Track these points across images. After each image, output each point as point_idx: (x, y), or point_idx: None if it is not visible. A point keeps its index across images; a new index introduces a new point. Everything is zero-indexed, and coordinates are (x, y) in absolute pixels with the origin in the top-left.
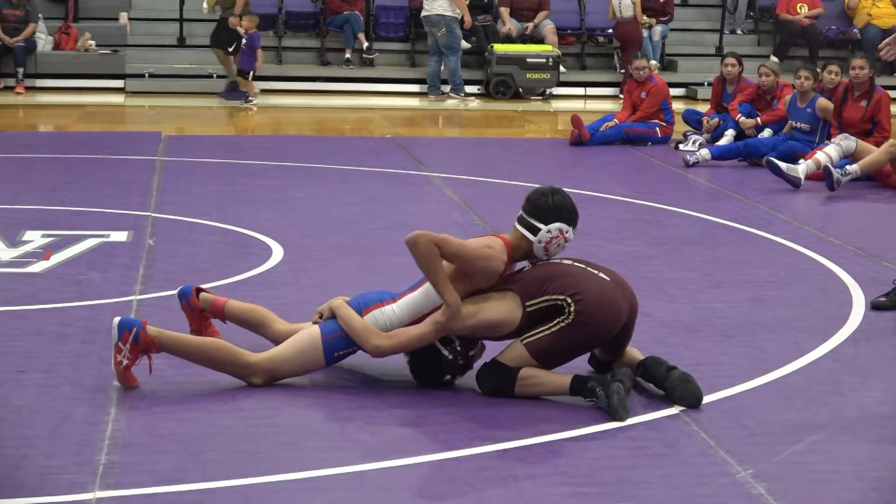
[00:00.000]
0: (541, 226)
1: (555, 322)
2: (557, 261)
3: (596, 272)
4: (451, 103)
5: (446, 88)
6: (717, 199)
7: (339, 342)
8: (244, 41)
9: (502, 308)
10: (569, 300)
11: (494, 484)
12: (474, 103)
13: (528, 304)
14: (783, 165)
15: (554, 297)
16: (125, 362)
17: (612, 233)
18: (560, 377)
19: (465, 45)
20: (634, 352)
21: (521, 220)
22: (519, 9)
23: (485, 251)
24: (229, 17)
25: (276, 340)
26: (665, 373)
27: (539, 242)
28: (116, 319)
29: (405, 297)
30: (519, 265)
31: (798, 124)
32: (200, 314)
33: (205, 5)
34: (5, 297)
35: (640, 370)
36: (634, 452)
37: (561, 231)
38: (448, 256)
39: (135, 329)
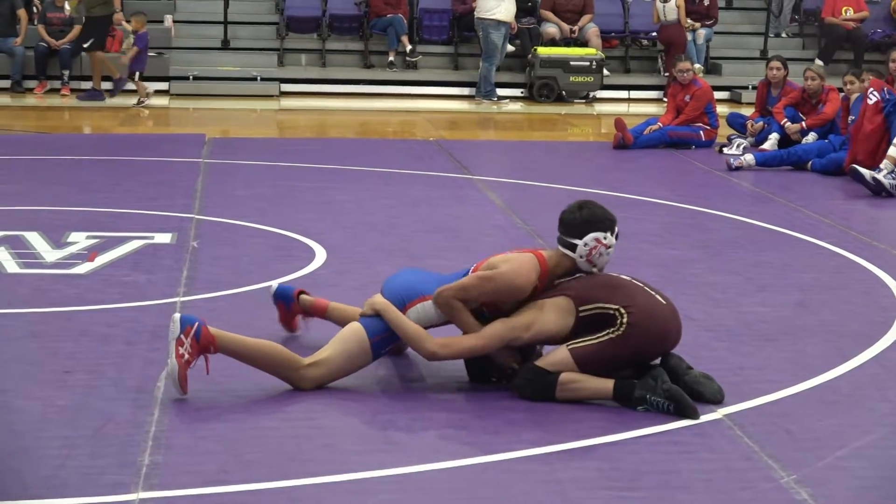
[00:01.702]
0: (576, 241)
1: (604, 332)
2: (616, 274)
3: (653, 293)
4: (487, 106)
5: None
6: (761, 203)
7: (387, 340)
8: (132, 41)
9: (556, 318)
10: (622, 310)
11: (537, 487)
12: (509, 106)
13: (581, 308)
14: (867, 173)
15: (607, 305)
16: (187, 356)
17: (655, 236)
18: (602, 381)
19: (509, 48)
20: None
21: (559, 241)
22: (563, 12)
23: (511, 281)
24: (112, 15)
25: None
26: (685, 369)
27: (581, 257)
28: (177, 315)
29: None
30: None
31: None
32: (295, 315)
33: (67, 6)
34: (50, 298)
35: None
36: (677, 457)
37: (598, 240)
38: (475, 300)
39: (196, 324)
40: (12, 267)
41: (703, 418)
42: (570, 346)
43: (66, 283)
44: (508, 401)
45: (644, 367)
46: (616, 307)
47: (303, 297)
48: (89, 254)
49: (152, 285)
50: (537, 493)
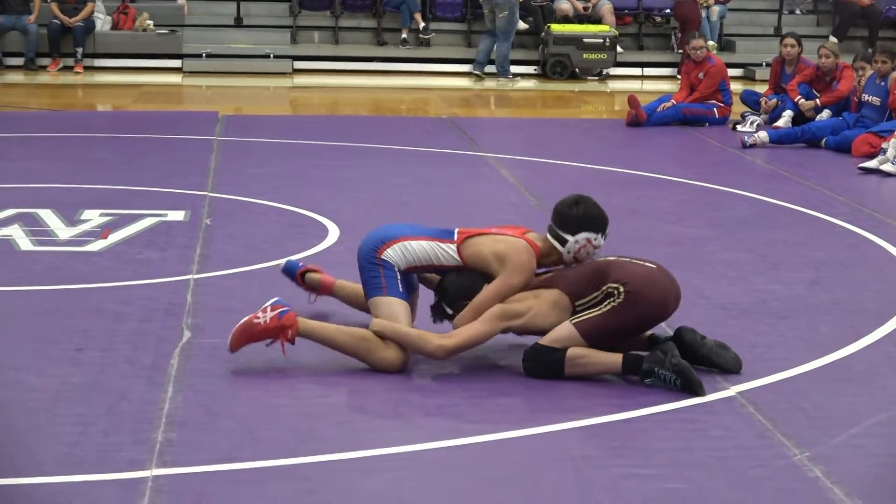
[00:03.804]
0: (568, 237)
1: (606, 303)
2: (602, 257)
3: (642, 262)
4: (499, 84)
5: (489, 69)
6: (775, 181)
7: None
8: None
9: (549, 314)
10: (616, 285)
11: (550, 465)
12: (521, 82)
13: (577, 303)
14: (872, 164)
15: (602, 289)
16: (261, 323)
17: (669, 214)
18: (611, 356)
19: (522, 25)
20: None
21: (550, 231)
22: None
23: (520, 284)
24: None
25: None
26: (700, 340)
27: (568, 252)
28: (277, 299)
29: (426, 241)
30: None
31: (869, 98)
32: (309, 289)
33: None
34: (64, 276)
35: (657, 344)
36: (690, 434)
37: (589, 240)
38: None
39: (285, 307)
40: (26, 244)
41: (716, 396)
42: (573, 321)
43: (80, 261)
44: (519, 379)
45: (655, 342)
46: (611, 285)
47: (309, 275)
48: (103, 231)
49: (166, 263)
50: (549, 471)
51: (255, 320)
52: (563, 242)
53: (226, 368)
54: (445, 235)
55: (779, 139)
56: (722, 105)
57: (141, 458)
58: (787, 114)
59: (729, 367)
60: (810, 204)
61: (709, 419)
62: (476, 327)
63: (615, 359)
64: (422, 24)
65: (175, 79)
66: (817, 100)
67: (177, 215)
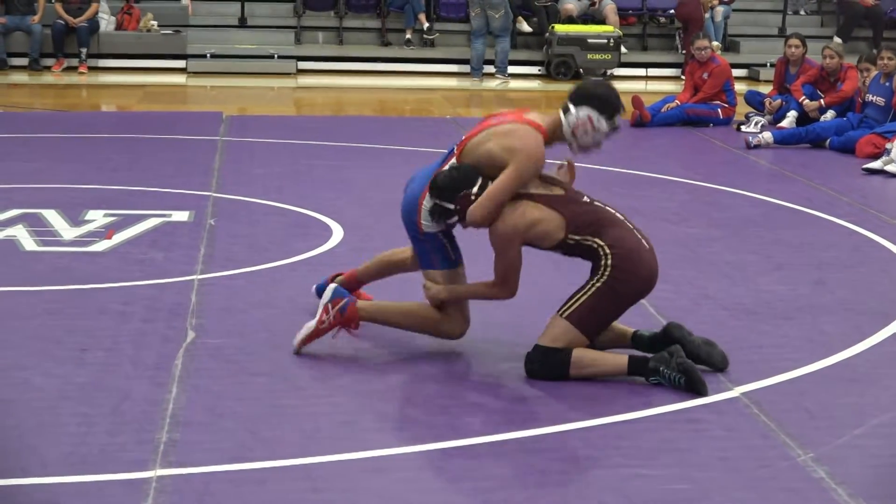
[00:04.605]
0: (572, 107)
1: (588, 285)
2: (612, 211)
3: (640, 237)
4: (496, 84)
5: (488, 69)
6: (779, 181)
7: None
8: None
9: (549, 229)
10: (606, 249)
11: (554, 465)
12: (512, 83)
13: (570, 236)
14: (877, 165)
15: (595, 239)
16: (326, 325)
17: (673, 214)
18: (615, 357)
19: (526, 28)
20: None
21: (563, 105)
22: None
23: (532, 169)
24: None
25: (410, 265)
26: (688, 337)
27: (568, 125)
28: (333, 285)
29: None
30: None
31: (874, 98)
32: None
33: None
34: (68, 276)
35: (640, 341)
36: (695, 435)
37: (590, 118)
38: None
39: (345, 300)
40: (30, 245)
41: (720, 396)
42: (563, 315)
43: (84, 261)
44: (524, 380)
45: (640, 340)
46: (602, 244)
47: (337, 280)
48: (107, 231)
49: (170, 263)
50: (554, 471)
51: (322, 325)
52: (567, 112)
53: (230, 368)
54: (446, 157)
55: (783, 140)
56: (726, 105)
57: (145, 458)
58: (792, 114)
59: (715, 365)
60: (814, 204)
61: (713, 419)
62: (509, 255)
63: (621, 361)
64: (426, 25)
65: (179, 79)
66: (821, 100)
67: (181, 216)
